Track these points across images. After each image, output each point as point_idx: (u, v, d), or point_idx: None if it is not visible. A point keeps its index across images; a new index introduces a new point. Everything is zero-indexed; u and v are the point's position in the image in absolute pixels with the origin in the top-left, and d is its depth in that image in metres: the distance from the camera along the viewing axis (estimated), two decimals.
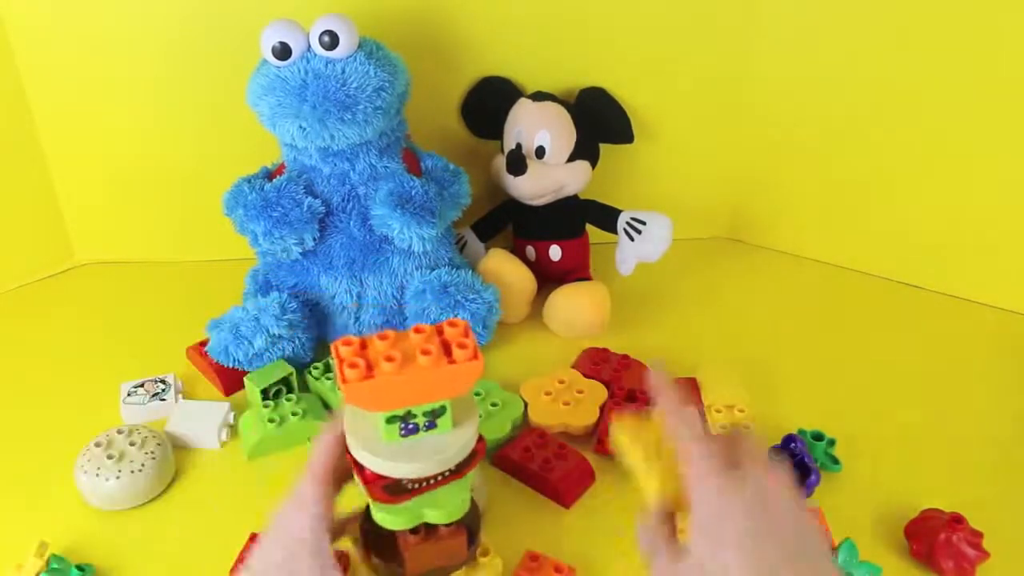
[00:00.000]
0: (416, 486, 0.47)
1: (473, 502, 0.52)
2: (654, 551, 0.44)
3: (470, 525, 0.51)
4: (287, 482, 0.68)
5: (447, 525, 0.48)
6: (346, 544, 0.52)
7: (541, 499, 0.67)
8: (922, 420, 0.75)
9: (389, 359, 0.43)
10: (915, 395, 0.78)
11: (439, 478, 0.47)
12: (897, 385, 0.79)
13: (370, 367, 0.44)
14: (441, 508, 0.47)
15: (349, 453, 0.48)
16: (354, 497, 0.51)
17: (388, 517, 0.47)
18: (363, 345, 0.45)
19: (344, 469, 0.51)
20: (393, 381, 0.43)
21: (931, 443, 0.72)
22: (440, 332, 0.46)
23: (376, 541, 0.50)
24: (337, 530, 0.51)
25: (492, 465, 0.69)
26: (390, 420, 0.45)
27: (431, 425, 0.46)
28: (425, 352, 0.44)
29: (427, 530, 0.49)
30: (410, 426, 0.46)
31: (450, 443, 0.47)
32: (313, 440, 0.51)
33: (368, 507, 0.50)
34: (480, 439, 0.49)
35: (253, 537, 0.63)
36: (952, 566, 0.60)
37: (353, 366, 0.43)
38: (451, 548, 0.49)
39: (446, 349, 0.45)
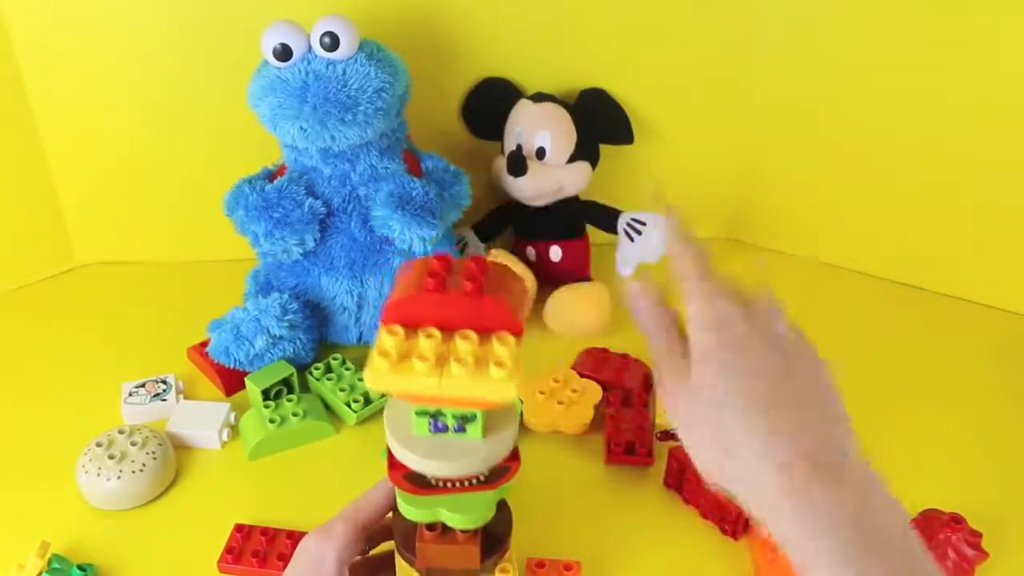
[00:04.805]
0: (441, 484, 0.47)
1: (507, 515, 0.52)
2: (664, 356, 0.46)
3: (496, 535, 0.51)
4: (287, 482, 0.69)
5: (464, 531, 0.48)
6: None
7: (540, 499, 0.67)
8: (922, 420, 0.75)
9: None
10: (915, 395, 0.78)
11: (468, 483, 0.47)
12: (897, 385, 0.79)
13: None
14: (462, 513, 0.47)
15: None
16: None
17: (407, 507, 0.48)
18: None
19: (381, 529, 0.52)
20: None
21: (931, 443, 0.73)
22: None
23: (402, 532, 0.51)
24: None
25: None
26: (420, 413, 0.45)
27: (460, 429, 0.46)
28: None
29: (444, 530, 0.49)
30: (440, 425, 0.46)
31: (477, 450, 0.46)
32: (371, 488, 0.52)
33: None
34: (516, 457, 0.48)
35: (239, 528, 0.63)
36: (951, 566, 0.60)
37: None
38: (463, 554, 0.49)
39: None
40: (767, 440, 0.39)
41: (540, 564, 0.60)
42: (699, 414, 0.42)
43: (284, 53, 0.72)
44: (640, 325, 0.47)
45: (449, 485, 0.47)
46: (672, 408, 0.44)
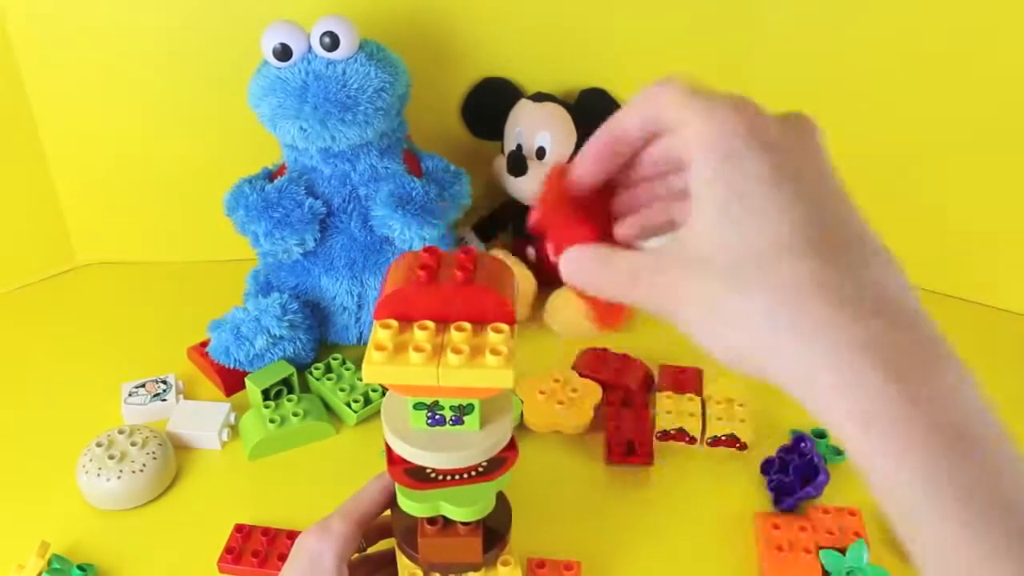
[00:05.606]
0: (440, 477, 0.47)
1: (507, 508, 0.52)
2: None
3: (496, 528, 0.51)
4: (287, 482, 0.69)
5: (465, 523, 0.49)
6: None
7: (540, 499, 0.67)
8: None
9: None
10: None
11: (466, 475, 0.48)
12: None
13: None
14: (461, 506, 0.48)
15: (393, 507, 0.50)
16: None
17: (408, 502, 0.48)
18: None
19: (381, 526, 0.52)
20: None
21: None
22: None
23: (403, 529, 0.51)
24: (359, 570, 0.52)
25: None
26: (417, 407, 0.46)
27: (457, 421, 0.46)
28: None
29: (445, 523, 0.49)
30: (437, 417, 0.46)
31: (474, 441, 0.47)
32: (365, 485, 0.52)
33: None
34: (513, 447, 0.49)
35: (239, 528, 0.63)
36: None
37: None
38: (466, 546, 0.49)
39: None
40: (823, 287, 0.29)
41: (540, 564, 0.60)
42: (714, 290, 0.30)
43: (284, 53, 0.72)
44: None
45: (448, 478, 0.47)
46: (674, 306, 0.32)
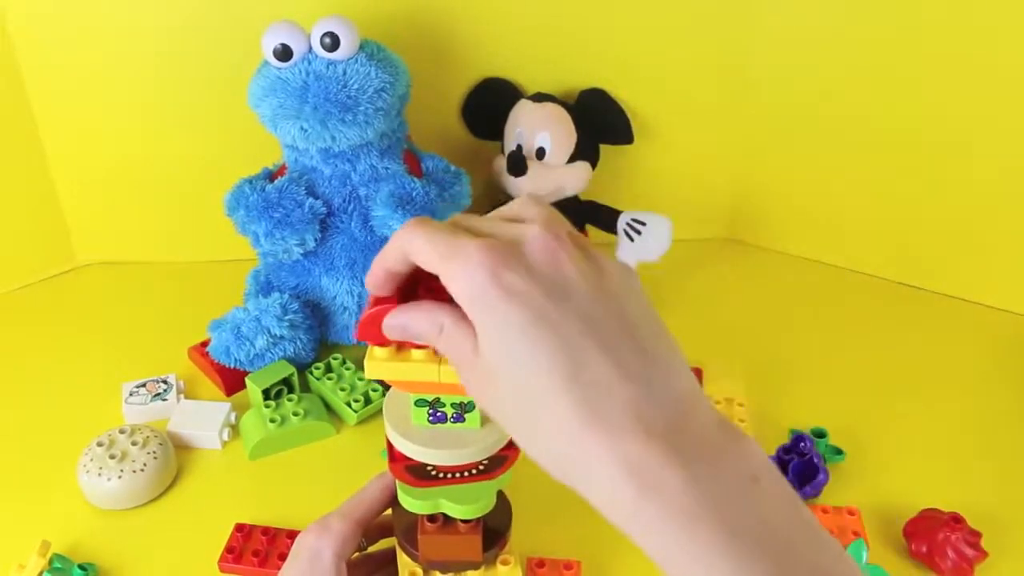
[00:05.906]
0: (441, 475, 0.48)
1: (507, 507, 0.52)
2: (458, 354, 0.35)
3: (496, 528, 0.51)
4: (287, 482, 0.69)
5: (465, 521, 0.49)
6: None
7: (540, 499, 0.67)
8: (922, 420, 0.75)
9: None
10: (915, 395, 0.78)
11: (467, 473, 0.48)
12: (897, 385, 0.79)
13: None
14: (462, 503, 0.48)
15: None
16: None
17: (408, 499, 0.48)
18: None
19: (381, 525, 0.52)
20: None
21: (931, 443, 0.73)
22: None
23: (403, 527, 0.51)
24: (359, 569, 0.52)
25: None
26: (419, 403, 0.46)
27: (459, 418, 0.46)
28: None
29: (446, 521, 0.49)
30: (438, 414, 0.46)
31: (475, 439, 0.47)
32: (366, 484, 0.52)
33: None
34: (514, 446, 0.48)
35: (239, 527, 0.63)
36: (951, 566, 0.60)
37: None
38: (466, 544, 0.50)
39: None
40: (579, 418, 0.31)
41: (540, 563, 0.60)
42: (498, 396, 0.34)
43: (284, 53, 0.72)
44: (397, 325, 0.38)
45: (449, 476, 0.48)
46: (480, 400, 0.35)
